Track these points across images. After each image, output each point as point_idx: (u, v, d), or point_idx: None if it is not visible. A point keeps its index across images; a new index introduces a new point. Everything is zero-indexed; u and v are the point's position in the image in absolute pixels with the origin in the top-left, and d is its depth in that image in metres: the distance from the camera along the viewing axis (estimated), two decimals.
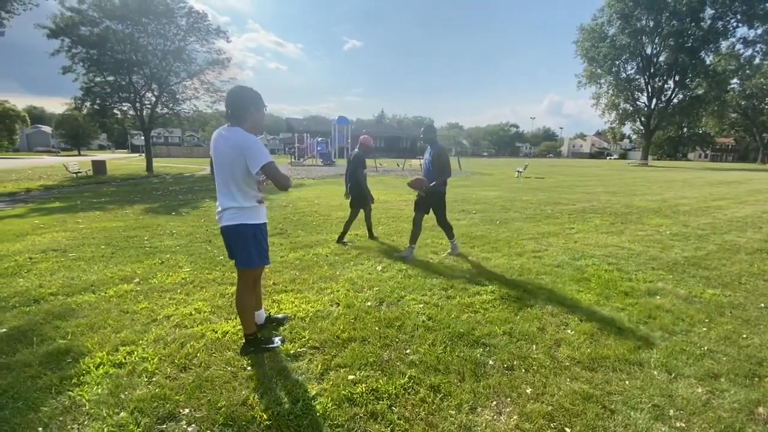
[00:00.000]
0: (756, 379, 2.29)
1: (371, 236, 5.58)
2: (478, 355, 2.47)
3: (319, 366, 2.34)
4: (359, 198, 5.34)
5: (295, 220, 6.97)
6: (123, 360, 2.39)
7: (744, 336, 2.79)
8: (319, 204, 8.97)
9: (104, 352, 2.46)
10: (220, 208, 2.37)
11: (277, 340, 2.57)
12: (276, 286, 3.62)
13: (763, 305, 3.35)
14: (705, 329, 2.89)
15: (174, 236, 5.70)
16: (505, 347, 2.58)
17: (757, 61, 40.81)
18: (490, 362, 2.41)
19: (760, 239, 5.79)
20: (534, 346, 2.61)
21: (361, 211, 5.47)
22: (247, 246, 2.36)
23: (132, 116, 21.10)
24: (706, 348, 2.61)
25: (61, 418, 1.90)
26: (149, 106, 20.72)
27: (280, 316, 2.97)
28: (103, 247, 5.09)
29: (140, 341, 2.62)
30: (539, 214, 7.88)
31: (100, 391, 2.09)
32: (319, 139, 31.63)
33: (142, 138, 23.52)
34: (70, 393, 2.08)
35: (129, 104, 20.35)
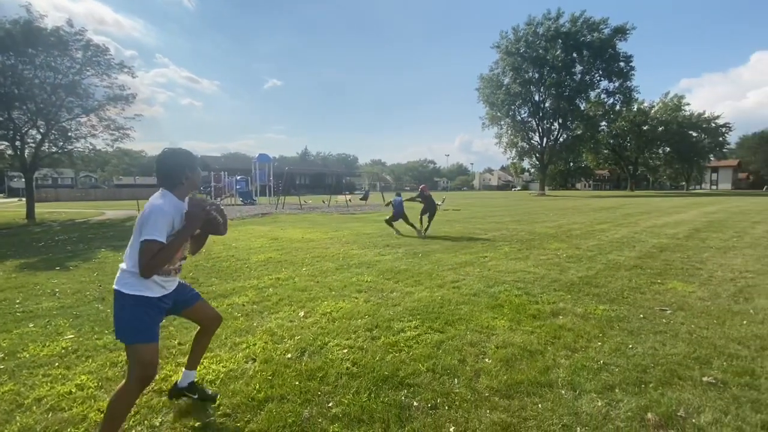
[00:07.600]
0: (642, 386, 2.58)
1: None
2: (403, 398, 2.44)
3: None
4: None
5: (208, 267, 6.43)
6: None
7: (630, 346, 3.17)
8: (237, 248, 8.43)
9: None
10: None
11: None
12: (182, 347, 3.23)
13: (642, 316, 3.86)
14: (600, 343, 3.22)
15: (56, 296, 4.86)
16: (429, 385, 2.58)
17: (617, 107, 49.84)
18: (415, 404, 2.38)
19: (634, 257, 6.78)
20: (456, 380, 2.66)
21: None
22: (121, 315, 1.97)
23: (10, 156, 18.19)
24: (602, 362, 2.90)
25: None
26: (33, 144, 18.10)
27: (210, 392, 2.43)
28: None
29: None
30: (457, 244, 8.34)
31: None
32: (238, 177, 30.34)
33: (23, 180, 20.27)
34: None
35: (7, 143, 17.59)
